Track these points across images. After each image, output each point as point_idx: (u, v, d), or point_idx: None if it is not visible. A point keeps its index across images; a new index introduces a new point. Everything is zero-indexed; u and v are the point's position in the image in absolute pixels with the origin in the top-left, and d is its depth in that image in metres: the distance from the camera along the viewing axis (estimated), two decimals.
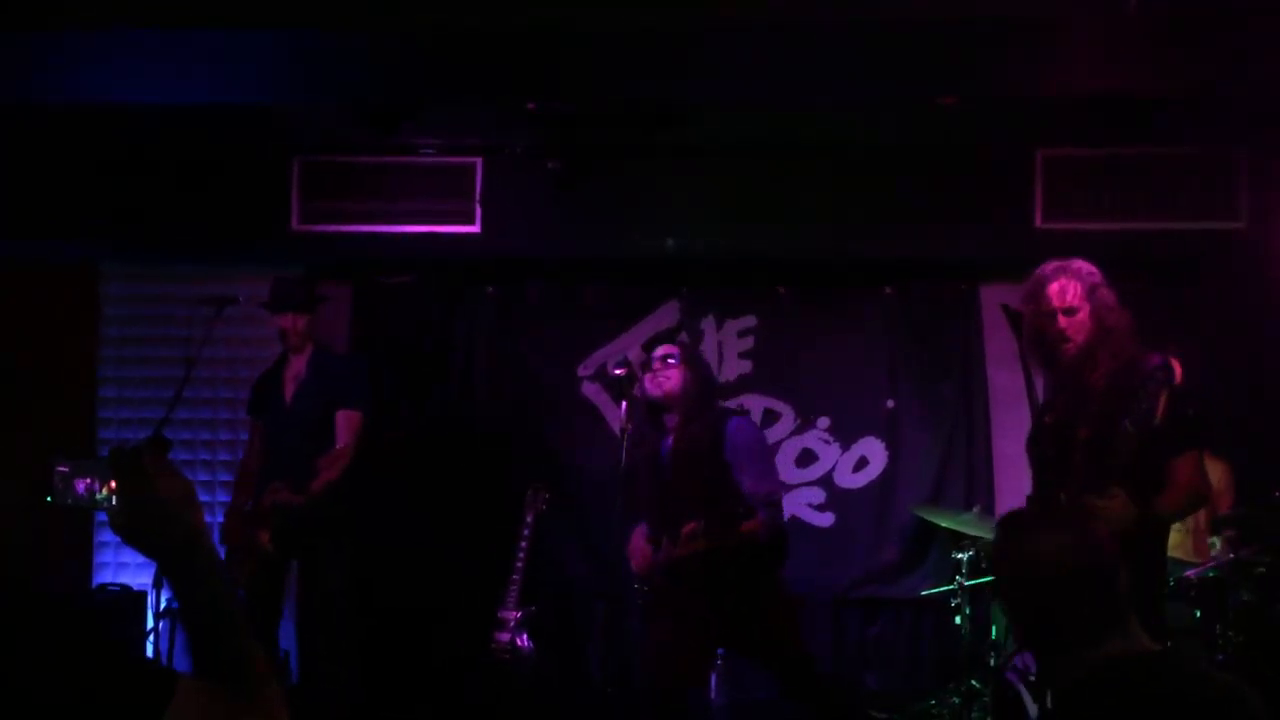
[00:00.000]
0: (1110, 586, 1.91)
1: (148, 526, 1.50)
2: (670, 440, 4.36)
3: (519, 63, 4.38)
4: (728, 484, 4.24)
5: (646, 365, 4.34)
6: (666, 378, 4.30)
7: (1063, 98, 4.80)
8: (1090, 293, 3.50)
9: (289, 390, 5.07)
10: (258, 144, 5.72)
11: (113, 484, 1.51)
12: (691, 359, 4.45)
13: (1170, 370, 3.14)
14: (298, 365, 5.09)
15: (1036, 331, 3.57)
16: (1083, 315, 3.48)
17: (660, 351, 4.37)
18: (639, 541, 4.42)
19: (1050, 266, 3.58)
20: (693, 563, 4.10)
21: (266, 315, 5.17)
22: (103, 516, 6.04)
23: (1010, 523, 2.07)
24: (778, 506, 4.44)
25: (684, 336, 4.53)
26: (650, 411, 4.39)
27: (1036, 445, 3.72)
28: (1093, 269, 3.56)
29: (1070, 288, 3.50)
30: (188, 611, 1.51)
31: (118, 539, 5.70)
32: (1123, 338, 3.49)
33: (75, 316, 6.19)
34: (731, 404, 6.07)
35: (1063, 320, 3.48)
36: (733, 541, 4.06)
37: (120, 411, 6.18)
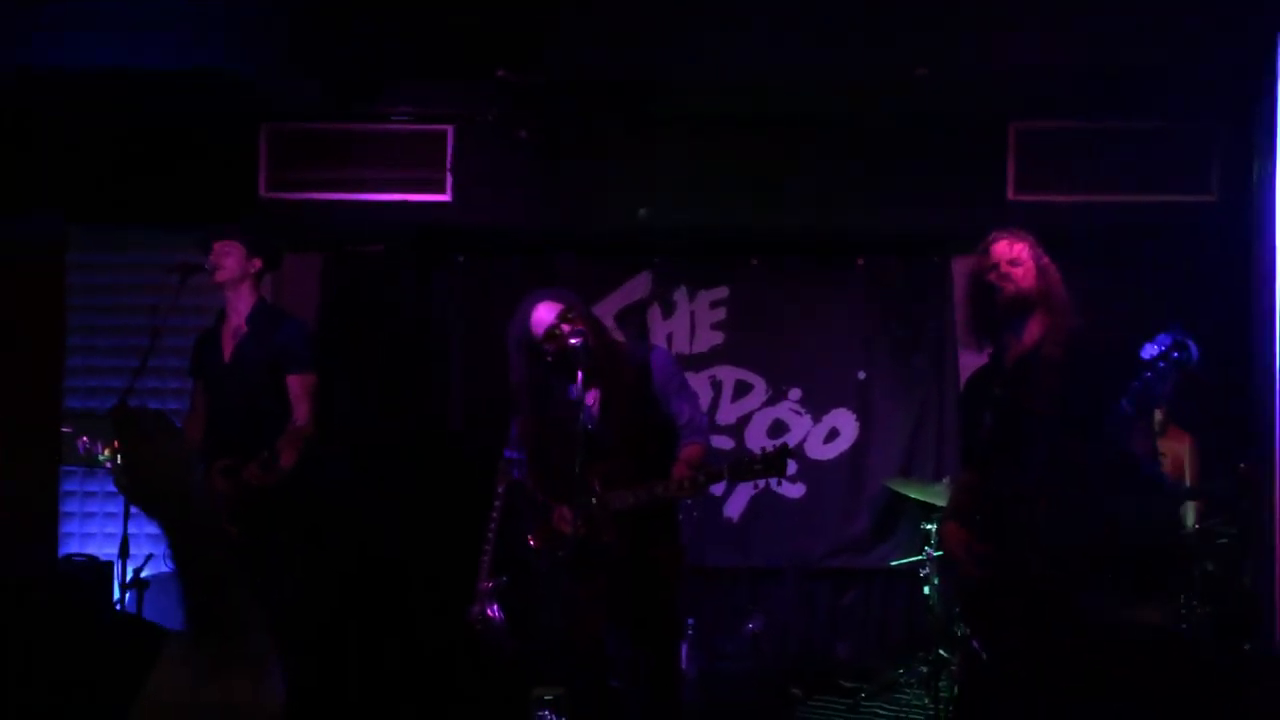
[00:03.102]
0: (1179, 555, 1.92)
1: (148, 484, 1.54)
2: (592, 391, 4.17)
3: (490, 29, 4.34)
4: (657, 418, 4.20)
5: (553, 336, 4.09)
6: (579, 336, 4.05)
7: (1037, 68, 4.80)
8: (1035, 253, 3.60)
9: (227, 348, 4.76)
10: (225, 111, 5.64)
11: (115, 443, 1.54)
12: (579, 303, 4.23)
13: (1187, 348, 3.04)
14: (236, 319, 4.77)
15: (977, 284, 3.63)
16: (1026, 267, 3.56)
17: (549, 317, 4.10)
18: (564, 510, 4.24)
19: (996, 232, 3.67)
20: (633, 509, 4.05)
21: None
22: (69, 485, 6.01)
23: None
24: (707, 431, 4.40)
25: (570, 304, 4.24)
26: (561, 371, 4.14)
27: (973, 413, 3.73)
28: (1036, 240, 3.65)
29: (1017, 244, 3.60)
30: (183, 568, 1.53)
31: (83, 509, 5.60)
32: (1064, 303, 3.56)
33: (40, 284, 6.10)
34: (704, 375, 6.09)
35: (1006, 267, 3.56)
36: (708, 477, 4.03)
37: (87, 380, 6.11)
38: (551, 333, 4.11)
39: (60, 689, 1.37)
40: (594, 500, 4.09)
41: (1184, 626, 4.53)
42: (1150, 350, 3.10)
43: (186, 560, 1.53)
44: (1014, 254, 3.58)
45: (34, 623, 1.40)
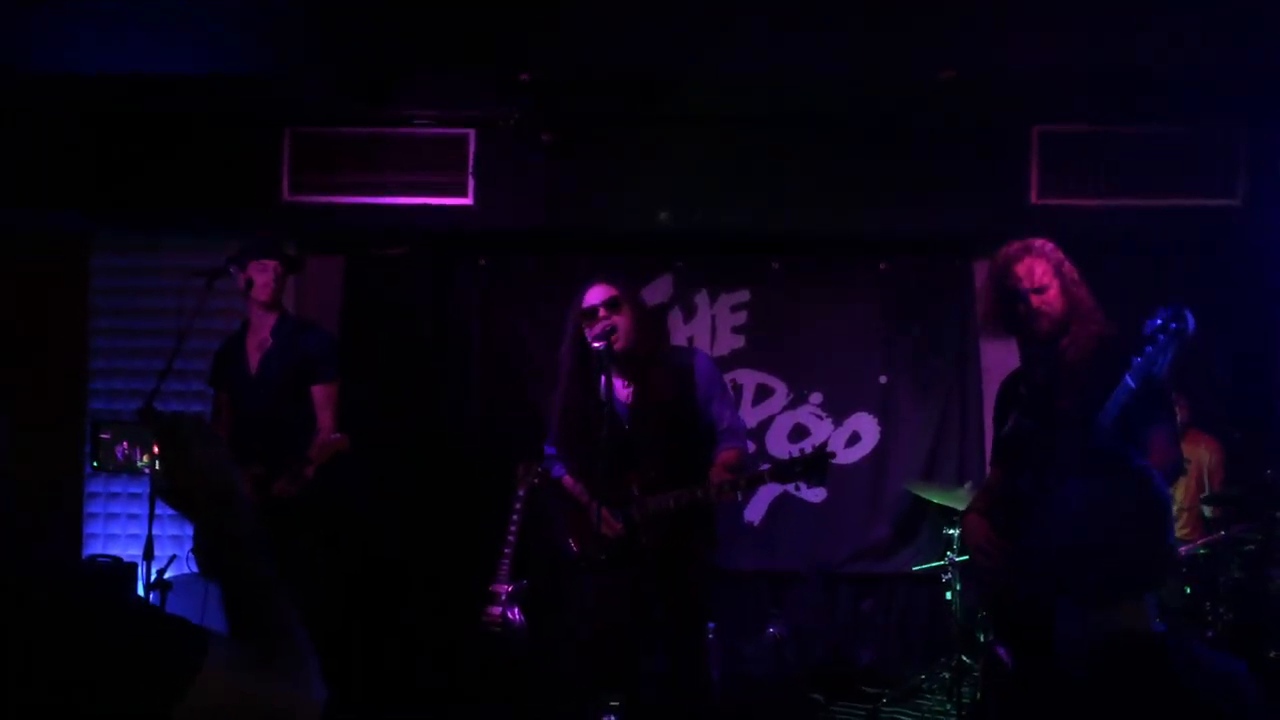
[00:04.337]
0: (1147, 552, 1.91)
1: (189, 490, 1.55)
2: (622, 384, 4.21)
3: (512, 30, 4.35)
4: (698, 423, 4.18)
5: (590, 315, 4.14)
6: (615, 325, 4.09)
7: (1060, 72, 4.78)
8: (1057, 270, 3.55)
9: (253, 359, 4.83)
10: (249, 115, 5.67)
11: (154, 449, 1.55)
12: (632, 296, 4.24)
13: (1184, 319, 3.07)
14: (262, 332, 4.84)
15: (1007, 311, 3.59)
16: (1053, 292, 3.52)
17: (599, 296, 4.14)
18: (607, 513, 4.19)
19: (1014, 247, 3.61)
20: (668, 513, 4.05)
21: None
22: (93, 487, 6.05)
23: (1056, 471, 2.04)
24: (745, 436, 4.38)
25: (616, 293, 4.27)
26: (598, 362, 4.12)
27: (1002, 413, 3.74)
28: (1054, 246, 3.60)
29: (1038, 266, 3.54)
30: (224, 572, 1.54)
31: (106, 511, 5.62)
32: (1092, 310, 3.54)
33: (66, 287, 6.16)
34: (725, 378, 6.07)
35: (1035, 300, 3.52)
36: (748, 481, 4.00)
37: (111, 382, 6.16)
38: (592, 311, 4.13)
39: (104, 690, 1.37)
40: (634, 504, 4.10)
41: (1210, 634, 4.50)
42: (1150, 325, 3.13)
43: (228, 565, 1.54)
44: (1037, 280, 3.52)
45: (76, 623, 1.40)
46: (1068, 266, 3.57)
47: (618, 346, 4.09)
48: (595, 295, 4.17)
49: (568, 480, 4.40)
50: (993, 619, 3.88)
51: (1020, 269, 3.54)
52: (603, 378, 4.02)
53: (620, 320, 4.10)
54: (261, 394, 4.78)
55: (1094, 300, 3.54)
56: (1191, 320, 3.05)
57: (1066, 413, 3.41)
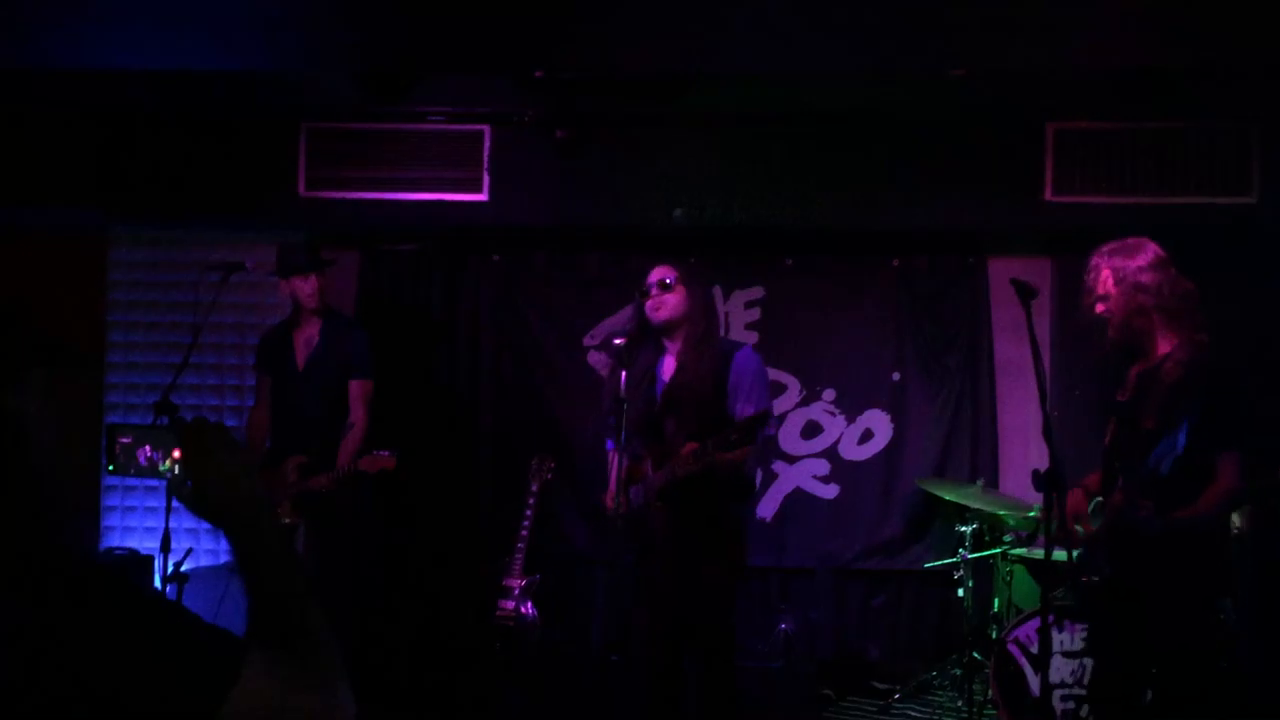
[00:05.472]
0: None
1: (211, 496, 1.55)
2: (669, 364, 4.29)
3: (526, 29, 4.36)
4: (724, 413, 4.20)
5: (645, 293, 4.29)
6: (664, 302, 4.25)
7: (1075, 69, 4.77)
8: (1120, 278, 3.55)
9: (300, 355, 5.09)
10: (266, 110, 5.70)
11: (176, 454, 1.54)
12: (691, 281, 4.36)
13: (1178, 438, 3.22)
14: (310, 330, 5.11)
15: (1087, 320, 3.64)
16: (1114, 301, 3.55)
17: (656, 276, 4.30)
18: (614, 486, 4.32)
19: (1093, 257, 3.64)
20: (679, 486, 4.08)
21: (273, 281, 5.19)
22: (109, 480, 6.09)
23: None
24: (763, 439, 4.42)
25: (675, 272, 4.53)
26: (651, 337, 4.32)
27: (1107, 420, 3.76)
28: (1129, 252, 3.58)
29: (1103, 273, 3.58)
30: (249, 578, 1.53)
31: (124, 504, 5.68)
32: (1151, 314, 3.52)
33: (83, 282, 6.20)
34: None
35: (1099, 308, 3.57)
36: (723, 466, 4.01)
37: (128, 376, 6.20)
38: (647, 289, 4.29)
39: (145, 696, 1.38)
40: (645, 482, 4.17)
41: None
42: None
43: (253, 569, 1.53)
44: (1099, 289, 3.57)
45: (119, 628, 1.41)
46: (1136, 276, 3.53)
47: (660, 317, 4.24)
48: (654, 274, 4.33)
49: (611, 457, 4.47)
50: (1074, 593, 3.96)
51: (1089, 278, 3.61)
52: (623, 373, 4.07)
53: (671, 299, 4.26)
54: (306, 390, 5.05)
55: (1161, 302, 3.51)
56: (1182, 442, 3.20)
57: (1150, 433, 3.38)
